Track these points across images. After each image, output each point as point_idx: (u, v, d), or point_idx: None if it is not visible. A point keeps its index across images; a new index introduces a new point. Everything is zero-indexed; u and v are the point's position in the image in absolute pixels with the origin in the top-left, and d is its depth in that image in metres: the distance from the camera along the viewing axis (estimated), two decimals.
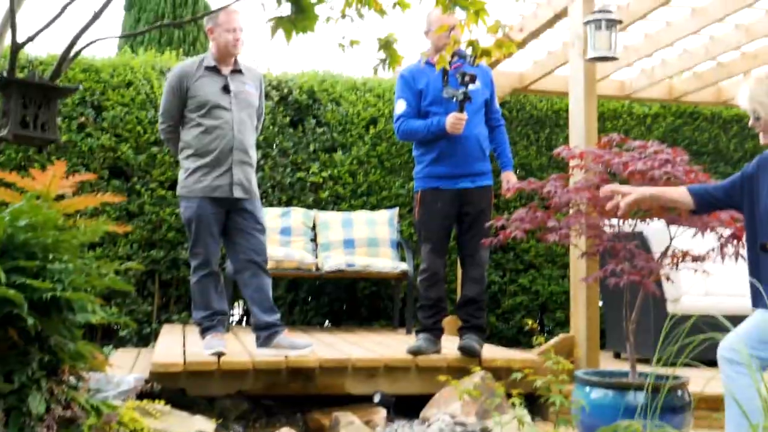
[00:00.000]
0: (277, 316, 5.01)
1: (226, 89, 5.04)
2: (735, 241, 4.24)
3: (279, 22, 2.80)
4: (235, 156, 5.00)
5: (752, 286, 3.47)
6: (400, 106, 5.20)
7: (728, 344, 3.28)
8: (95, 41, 2.98)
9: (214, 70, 5.06)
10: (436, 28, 5.01)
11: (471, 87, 5.01)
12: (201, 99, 4.99)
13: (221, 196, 4.96)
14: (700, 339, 2.91)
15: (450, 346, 5.30)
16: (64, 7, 2.84)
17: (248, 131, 5.10)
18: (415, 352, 5.01)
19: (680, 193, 3.74)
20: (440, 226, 5.16)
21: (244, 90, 5.11)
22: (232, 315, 7.73)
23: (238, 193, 4.98)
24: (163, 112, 5.11)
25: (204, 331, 4.97)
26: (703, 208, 3.77)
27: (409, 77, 5.21)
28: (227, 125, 4.99)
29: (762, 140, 3.57)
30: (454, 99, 4.95)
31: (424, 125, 5.08)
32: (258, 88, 5.25)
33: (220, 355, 4.74)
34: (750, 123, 3.57)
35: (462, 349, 5.01)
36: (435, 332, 5.17)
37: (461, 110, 4.94)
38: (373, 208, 7.91)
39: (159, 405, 3.91)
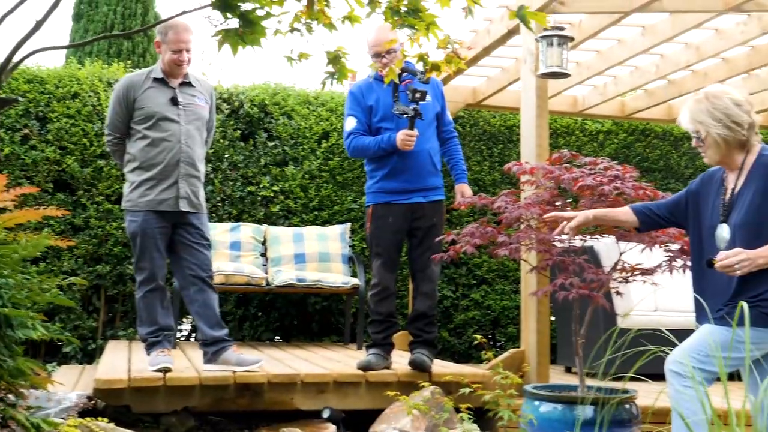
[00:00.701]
0: (225, 331, 4.94)
1: (174, 101, 4.97)
2: (683, 255, 4.27)
3: (226, 35, 2.75)
4: (182, 169, 4.93)
5: (696, 301, 3.49)
6: (350, 123, 5.17)
7: (675, 358, 3.30)
8: (38, 51, 2.91)
9: (163, 81, 5.00)
10: (376, 45, 4.99)
11: (427, 100, 5.02)
12: (148, 111, 4.92)
13: (167, 209, 4.89)
14: (649, 353, 2.92)
15: (401, 361, 5.27)
16: (5, 16, 2.77)
17: (196, 144, 5.03)
18: (365, 367, 4.97)
19: (624, 213, 3.77)
20: (391, 241, 5.13)
21: (193, 102, 5.05)
22: (180, 331, 7.63)
23: (184, 206, 4.92)
24: (108, 124, 5.03)
25: (149, 347, 4.89)
26: (647, 227, 3.81)
27: (359, 93, 5.18)
28: (174, 138, 4.92)
29: (705, 160, 3.60)
30: (405, 115, 4.93)
31: (375, 142, 5.05)
32: (208, 100, 5.19)
33: (165, 371, 4.66)
34: (693, 143, 3.60)
35: (412, 363, 4.99)
36: (385, 347, 5.14)
37: (412, 127, 4.92)
38: (325, 222, 7.87)
39: (102, 422, 3.83)
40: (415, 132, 4.93)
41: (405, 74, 5.02)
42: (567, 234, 3.75)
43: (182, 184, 4.92)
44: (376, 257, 5.15)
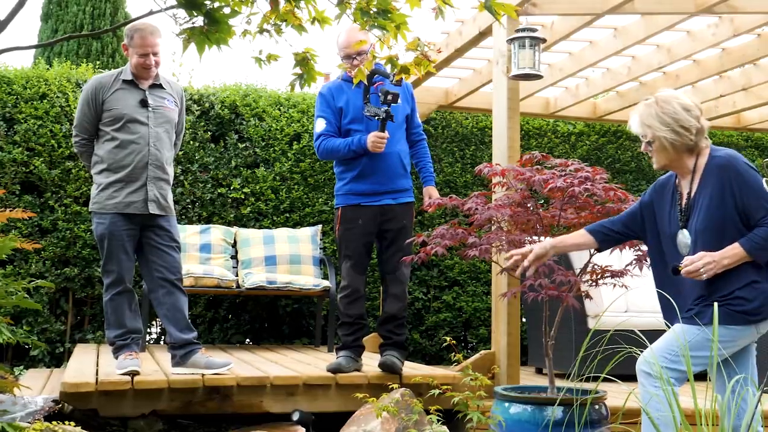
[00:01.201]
0: (194, 334, 4.90)
1: (143, 103, 4.93)
2: None
3: (191, 34, 2.72)
4: (151, 172, 4.90)
5: (661, 298, 3.51)
6: (320, 125, 5.14)
7: (646, 358, 3.33)
8: (4, 51, 2.87)
9: (132, 83, 4.96)
10: (346, 47, 4.98)
11: (393, 105, 5.00)
12: (117, 113, 4.87)
13: (135, 212, 4.85)
14: (619, 355, 2.93)
15: (371, 363, 5.26)
16: None
17: (165, 147, 4.99)
18: (335, 369, 4.96)
19: (582, 236, 3.78)
20: (361, 243, 5.11)
21: (163, 105, 5.01)
22: (149, 334, 7.58)
23: (153, 209, 4.88)
24: (77, 125, 4.97)
25: (117, 350, 4.85)
26: (606, 245, 3.83)
27: (329, 95, 5.16)
28: (143, 140, 4.88)
29: (654, 165, 3.63)
30: (376, 117, 4.91)
31: (345, 144, 5.03)
32: (178, 103, 5.16)
33: (133, 374, 4.62)
34: (642, 148, 3.62)
35: (383, 366, 4.97)
36: (355, 350, 5.12)
37: (383, 129, 4.91)
38: (296, 224, 7.84)
39: (69, 426, 3.78)
40: (386, 134, 4.91)
41: (377, 76, 5.00)
42: (526, 270, 3.74)
43: (150, 187, 4.88)
44: (346, 259, 5.14)
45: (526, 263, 3.71)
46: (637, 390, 3.26)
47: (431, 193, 5.31)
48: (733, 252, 3.31)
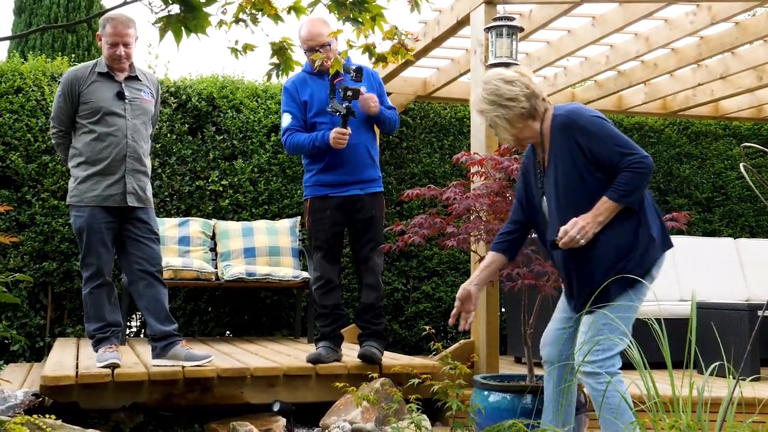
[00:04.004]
0: (174, 326, 4.90)
1: (120, 96, 4.91)
2: None
3: (167, 22, 2.70)
4: (129, 164, 4.89)
5: (564, 276, 3.55)
6: (286, 120, 5.15)
7: (582, 361, 3.30)
8: None
9: (108, 75, 4.93)
10: (309, 39, 4.96)
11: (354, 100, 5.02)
12: (94, 105, 4.85)
13: (114, 205, 4.84)
14: (597, 341, 2.95)
15: (350, 353, 5.28)
16: None
17: (142, 139, 4.98)
18: (315, 360, 4.97)
19: (489, 259, 3.70)
20: (330, 234, 5.12)
21: (139, 97, 4.99)
22: (129, 327, 7.56)
23: (131, 201, 4.87)
24: (53, 117, 4.95)
25: (97, 344, 4.84)
26: (514, 250, 3.75)
27: (293, 89, 5.16)
28: (120, 132, 4.87)
29: (503, 144, 3.66)
30: (337, 114, 4.91)
31: (310, 140, 5.03)
32: (154, 95, 5.14)
33: (113, 367, 4.61)
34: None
35: (362, 357, 4.99)
36: (334, 340, 5.13)
37: (345, 125, 4.90)
38: (275, 216, 7.84)
39: (50, 419, 3.77)
40: (348, 130, 4.91)
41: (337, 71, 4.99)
42: (468, 323, 3.73)
43: (129, 180, 4.87)
44: (316, 250, 5.16)
45: (471, 320, 3.67)
46: (616, 378, 3.28)
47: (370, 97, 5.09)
48: (604, 207, 3.29)
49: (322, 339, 5.13)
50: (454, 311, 3.65)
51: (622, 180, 3.27)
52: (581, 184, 3.36)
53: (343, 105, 4.86)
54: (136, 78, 5.02)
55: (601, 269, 3.31)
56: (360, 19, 2.98)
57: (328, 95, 4.98)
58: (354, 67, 4.87)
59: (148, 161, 5.04)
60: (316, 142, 4.99)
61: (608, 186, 3.31)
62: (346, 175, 5.05)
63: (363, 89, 4.95)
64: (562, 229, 3.31)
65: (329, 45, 4.91)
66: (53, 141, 5.03)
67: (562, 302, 3.65)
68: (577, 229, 3.27)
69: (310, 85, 5.12)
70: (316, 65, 4.92)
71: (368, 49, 3.27)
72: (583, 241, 3.27)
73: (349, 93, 4.84)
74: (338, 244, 5.20)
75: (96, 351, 4.83)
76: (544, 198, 3.53)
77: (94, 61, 5.05)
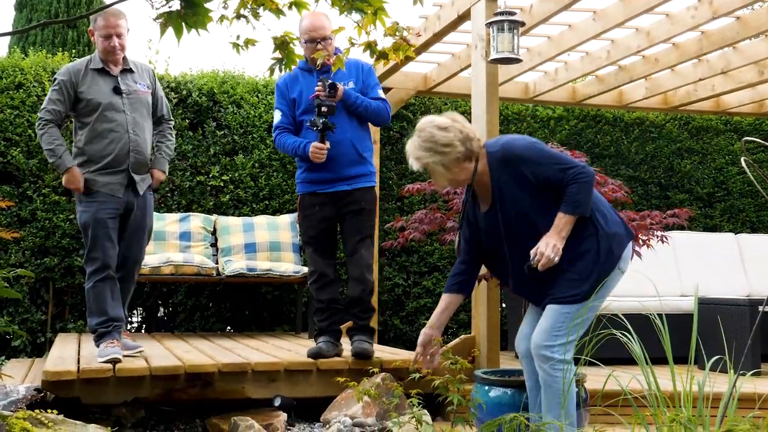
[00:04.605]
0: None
1: (117, 90, 4.94)
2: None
3: (168, 18, 2.70)
4: (132, 158, 4.92)
5: (524, 293, 3.75)
6: (276, 117, 5.19)
7: (541, 342, 3.43)
8: None
9: (103, 71, 4.95)
10: (312, 30, 4.95)
11: (348, 87, 5.05)
12: (93, 102, 4.87)
13: (121, 198, 4.91)
14: (599, 336, 2.95)
15: (350, 348, 5.27)
16: None
17: (144, 132, 5.01)
18: (316, 355, 4.97)
19: (445, 301, 3.81)
20: (320, 229, 5.13)
21: (136, 89, 5.03)
22: (131, 322, 7.57)
23: (135, 195, 4.96)
24: (44, 108, 4.91)
25: (99, 338, 4.84)
26: (469, 288, 3.86)
27: (284, 86, 5.18)
28: (121, 128, 4.89)
29: (439, 190, 3.77)
30: (315, 129, 4.92)
31: (292, 147, 5.07)
32: (150, 85, 5.17)
33: (115, 361, 4.62)
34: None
35: (355, 355, 4.97)
36: (333, 334, 5.13)
37: (322, 140, 4.91)
38: (275, 212, 7.84)
39: (52, 414, 3.78)
40: (326, 145, 4.92)
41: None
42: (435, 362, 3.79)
43: (133, 174, 4.93)
44: (307, 245, 5.20)
45: (428, 358, 3.77)
46: (617, 373, 3.29)
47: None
48: (562, 222, 3.42)
49: (321, 334, 5.14)
50: (415, 357, 3.79)
51: (570, 193, 3.42)
52: (532, 202, 3.48)
53: (320, 120, 4.88)
54: (130, 71, 5.05)
55: (571, 281, 3.46)
56: (363, 9, 2.98)
57: (312, 102, 4.98)
58: (329, 83, 4.88)
59: (149, 153, 5.10)
60: (298, 151, 5.04)
61: (555, 203, 3.45)
62: (332, 172, 5.03)
63: (340, 88, 4.94)
64: (536, 252, 3.41)
65: (330, 39, 4.91)
66: (38, 129, 4.93)
67: (531, 306, 3.82)
68: (550, 248, 3.38)
69: (300, 83, 5.13)
70: (318, 62, 4.92)
71: (369, 46, 3.27)
72: (557, 258, 3.39)
73: (324, 109, 4.87)
74: (330, 240, 5.20)
75: (97, 346, 4.84)
76: (487, 231, 3.65)
77: (87, 57, 5.06)
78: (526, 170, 3.46)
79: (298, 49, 3.21)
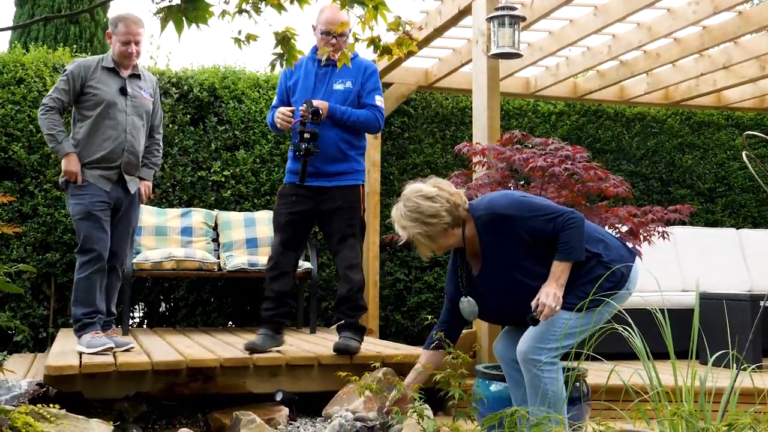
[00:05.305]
0: (111, 318, 5.25)
1: (123, 91, 5.13)
2: (630, 237, 4.32)
3: (168, 13, 2.69)
4: (125, 157, 5.11)
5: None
6: (274, 99, 5.31)
7: (534, 344, 3.43)
8: None
9: (113, 71, 5.14)
10: (331, 22, 4.96)
11: (339, 86, 5.07)
12: (98, 98, 5.05)
13: (110, 192, 5.07)
14: (601, 330, 2.96)
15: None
16: None
17: (140, 135, 5.22)
18: (251, 349, 4.96)
19: (428, 359, 3.78)
20: (292, 221, 5.12)
21: (140, 94, 5.23)
22: (132, 317, 7.58)
23: (124, 192, 5.15)
24: (50, 93, 5.10)
25: (82, 329, 4.98)
26: (448, 346, 3.78)
27: (286, 74, 5.24)
28: (120, 127, 5.09)
29: (423, 257, 3.73)
30: (298, 153, 4.94)
31: (270, 119, 5.18)
32: (154, 94, 5.37)
33: (111, 350, 4.79)
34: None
35: (336, 349, 4.98)
36: (274, 326, 5.12)
37: (304, 166, 4.93)
38: None
39: (54, 409, 3.79)
40: (291, 112, 4.99)
41: (297, 113, 5.01)
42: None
43: (124, 172, 5.13)
44: (275, 234, 5.22)
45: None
46: (618, 367, 3.30)
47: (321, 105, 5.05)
48: (559, 270, 3.41)
49: (262, 324, 5.14)
50: (387, 407, 3.75)
51: (563, 240, 3.40)
52: (524, 255, 3.46)
53: (302, 146, 4.89)
54: (138, 77, 5.27)
55: (579, 293, 3.45)
56: (364, 2, 2.97)
57: (295, 128, 5.00)
58: (312, 110, 4.88)
59: (140, 159, 5.28)
60: (270, 120, 5.16)
61: (548, 251, 3.44)
62: (312, 167, 5.02)
63: (323, 112, 4.95)
64: (538, 303, 3.39)
65: (345, 37, 4.92)
66: (40, 113, 5.10)
67: None
68: (552, 298, 3.36)
69: (300, 71, 5.16)
70: (323, 58, 4.94)
71: (373, 42, 3.26)
72: (558, 307, 3.37)
73: (306, 135, 4.89)
74: (298, 233, 5.18)
75: (79, 336, 4.96)
76: (466, 297, 3.67)
77: (100, 56, 5.27)
78: (514, 229, 3.44)
79: (300, 45, 3.21)
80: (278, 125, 5.02)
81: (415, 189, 3.55)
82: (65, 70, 5.12)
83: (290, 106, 5.14)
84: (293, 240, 5.16)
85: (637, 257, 3.65)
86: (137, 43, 5.11)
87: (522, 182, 4.72)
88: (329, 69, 5.06)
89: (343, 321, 5.14)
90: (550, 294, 3.36)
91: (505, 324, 3.88)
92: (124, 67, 5.16)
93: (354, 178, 5.17)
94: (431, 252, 3.60)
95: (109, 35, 5.17)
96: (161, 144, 5.54)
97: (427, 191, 3.50)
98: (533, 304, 3.39)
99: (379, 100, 5.19)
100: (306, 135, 4.87)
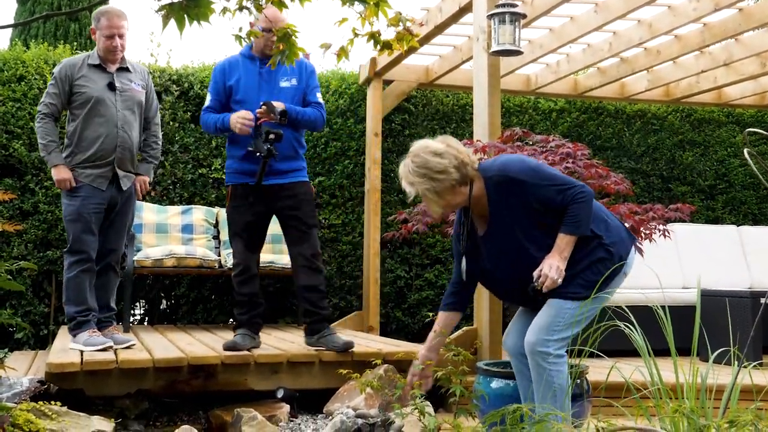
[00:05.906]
0: (112, 313, 5.29)
1: (111, 86, 5.11)
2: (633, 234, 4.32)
3: (170, 10, 2.69)
4: (118, 153, 5.11)
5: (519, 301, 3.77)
6: (207, 99, 5.23)
7: (540, 337, 3.42)
8: None
9: (100, 67, 5.14)
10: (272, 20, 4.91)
11: (286, 84, 5.07)
12: (86, 95, 5.05)
13: (105, 192, 5.09)
14: (603, 327, 2.96)
15: (355, 339, 5.27)
16: None
17: (133, 129, 5.20)
18: (231, 347, 4.96)
19: (446, 321, 3.83)
20: (251, 222, 5.13)
21: (130, 87, 5.21)
22: (133, 315, 7.58)
23: (118, 191, 5.15)
24: (43, 102, 5.13)
25: (77, 327, 5.01)
26: (465, 306, 3.88)
27: (220, 72, 5.18)
28: (111, 122, 5.08)
29: (433, 215, 3.75)
30: (258, 154, 4.92)
31: (213, 122, 5.10)
32: (145, 86, 5.34)
33: (110, 348, 4.81)
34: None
35: (342, 351, 4.98)
36: (252, 327, 5.16)
37: (263, 168, 4.93)
38: None
39: (55, 406, 3.80)
40: (249, 114, 4.93)
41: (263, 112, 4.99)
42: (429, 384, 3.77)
43: (118, 168, 5.12)
44: (237, 238, 5.19)
45: (429, 383, 3.76)
46: (619, 364, 3.30)
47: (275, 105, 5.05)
48: (564, 242, 3.40)
49: (240, 326, 5.16)
50: (412, 379, 3.74)
51: (571, 213, 3.39)
52: (526, 231, 3.46)
53: (265, 147, 4.87)
54: (126, 69, 5.24)
55: (580, 281, 3.46)
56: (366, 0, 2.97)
57: (253, 131, 4.97)
58: (279, 110, 4.86)
59: (136, 152, 5.27)
60: (218, 124, 5.07)
61: (555, 221, 3.43)
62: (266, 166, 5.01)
63: (280, 109, 4.93)
64: (540, 274, 3.39)
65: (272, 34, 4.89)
66: (37, 123, 5.14)
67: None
68: (554, 270, 3.36)
69: (240, 70, 5.14)
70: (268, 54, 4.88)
71: (373, 36, 3.26)
72: (560, 280, 3.37)
73: (272, 136, 4.88)
74: (258, 234, 5.21)
75: (74, 335, 4.98)
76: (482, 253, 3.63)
77: (86, 53, 5.26)
78: (522, 193, 3.42)
79: (300, 42, 3.20)
80: (237, 130, 4.95)
81: (423, 145, 3.52)
82: (53, 74, 5.15)
83: (229, 105, 5.12)
84: (255, 241, 5.20)
85: (634, 241, 3.66)
86: (121, 36, 5.08)
87: None
88: (270, 67, 5.03)
89: (313, 319, 5.13)
90: (553, 266, 3.36)
91: (498, 292, 3.89)
92: (110, 62, 5.14)
93: (304, 174, 5.23)
94: (440, 208, 3.56)
95: (94, 31, 5.15)
96: (159, 136, 5.50)
97: (436, 147, 3.48)
98: (535, 274, 3.39)
99: (320, 97, 5.24)
100: (271, 136, 4.86)
